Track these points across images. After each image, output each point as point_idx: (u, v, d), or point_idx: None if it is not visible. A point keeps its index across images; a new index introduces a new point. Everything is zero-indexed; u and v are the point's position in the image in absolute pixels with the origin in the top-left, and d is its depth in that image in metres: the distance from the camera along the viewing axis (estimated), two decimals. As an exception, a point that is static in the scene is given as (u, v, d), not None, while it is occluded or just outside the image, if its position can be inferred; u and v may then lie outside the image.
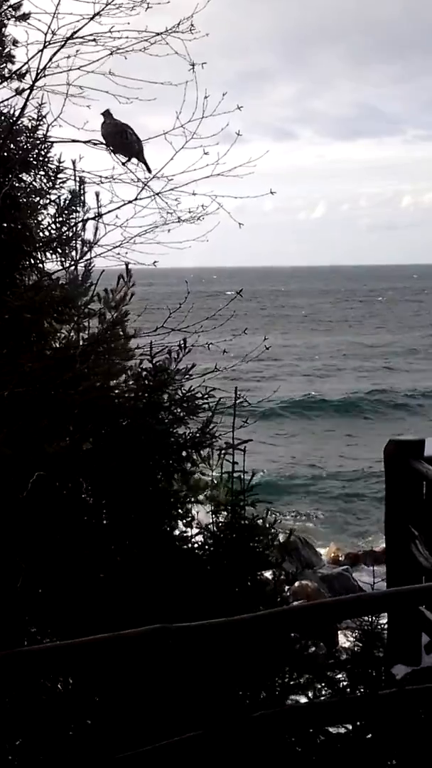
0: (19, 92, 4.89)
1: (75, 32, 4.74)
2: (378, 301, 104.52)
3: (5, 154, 4.81)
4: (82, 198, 4.95)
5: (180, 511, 4.86)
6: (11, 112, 4.89)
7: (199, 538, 4.80)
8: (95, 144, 5.05)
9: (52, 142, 4.92)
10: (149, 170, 5.05)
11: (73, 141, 4.97)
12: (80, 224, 4.92)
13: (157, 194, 4.85)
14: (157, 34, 4.76)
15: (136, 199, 4.83)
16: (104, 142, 5.05)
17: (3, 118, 4.89)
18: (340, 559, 15.17)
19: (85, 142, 5.02)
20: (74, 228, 4.93)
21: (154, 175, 4.85)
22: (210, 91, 4.71)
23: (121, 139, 5.00)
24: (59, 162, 4.94)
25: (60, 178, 4.95)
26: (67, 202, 4.93)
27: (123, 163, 5.06)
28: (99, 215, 4.87)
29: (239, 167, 4.76)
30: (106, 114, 5.01)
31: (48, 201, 4.96)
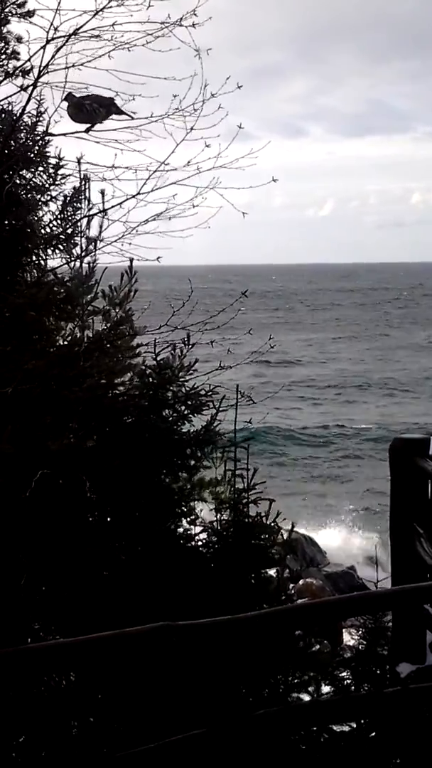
0: (23, 89, 4.88)
1: (78, 28, 4.72)
2: None
3: (6, 151, 4.80)
4: (86, 194, 4.95)
5: (184, 508, 4.86)
6: (13, 108, 4.89)
7: (203, 535, 4.79)
8: (95, 123, 4.99)
9: (52, 136, 4.91)
10: (131, 117, 4.98)
11: (72, 134, 4.95)
12: (84, 221, 4.91)
13: (160, 188, 4.83)
14: (162, 23, 4.73)
15: (139, 193, 4.81)
16: (80, 122, 4.99)
17: (5, 115, 4.89)
18: (346, 556, 15.15)
19: (77, 133, 4.98)
20: (77, 224, 4.92)
21: (157, 168, 4.82)
22: (217, 87, 4.70)
23: (84, 114, 4.96)
24: (59, 158, 4.93)
25: (60, 174, 4.94)
26: (70, 198, 4.92)
27: (88, 129, 5.00)
28: (103, 211, 4.86)
29: (242, 158, 4.73)
30: (69, 98, 4.93)
31: (49, 197, 4.95)
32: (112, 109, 4.95)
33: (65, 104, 4.92)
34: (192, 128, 4.72)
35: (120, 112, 4.96)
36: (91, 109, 4.87)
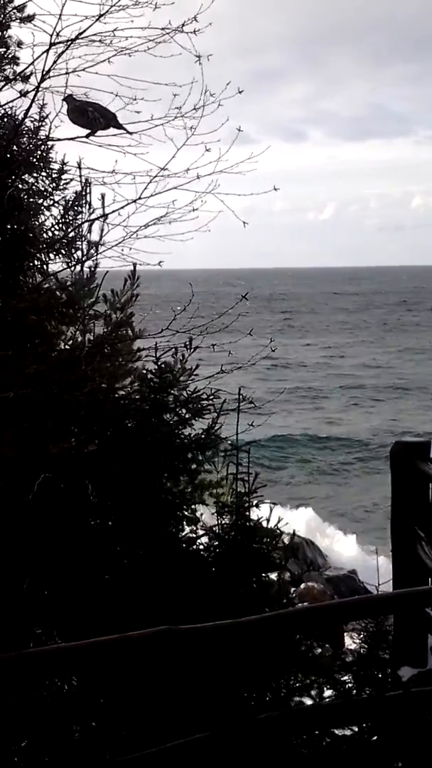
0: (24, 94, 4.89)
1: (80, 33, 4.72)
2: None
3: (8, 156, 4.80)
4: (87, 199, 4.95)
5: (186, 512, 4.86)
6: (15, 113, 4.90)
7: (205, 539, 4.79)
8: (94, 131, 4.99)
9: (54, 140, 4.92)
10: (129, 132, 5.00)
11: (73, 139, 4.95)
12: (85, 225, 4.92)
13: (160, 193, 4.83)
14: (163, 29, 4.74)
15: (139, 198, 4.81)
16: (79, 125, 4.99)
17: (7, 120, 4.90)
18: (347, 560, 15.16)
19: (78, 138, 4.99)
20: (79, 229, 4.93)
21: (158, 173, 4.83)
22: (218, 91, 4.70)
23: (84, 119, 4.95)
24: (63, 163, 4.94)
25: (63, 180, 4.94)
26: (72, 203, 4.93)
27: (89, 135, 4.99)
28: (104, 215, 4.87)
29: (242, 163, 4.72)
30: (69, 100, 4.93)
31: (52, 202, 4.96)
32: (112, 123, 4.97)
33: (66, 106, 4.92)
34: (193, 131, 4.71)
35: (119, 126, 4.98)
36: (93, 117, 4.89)
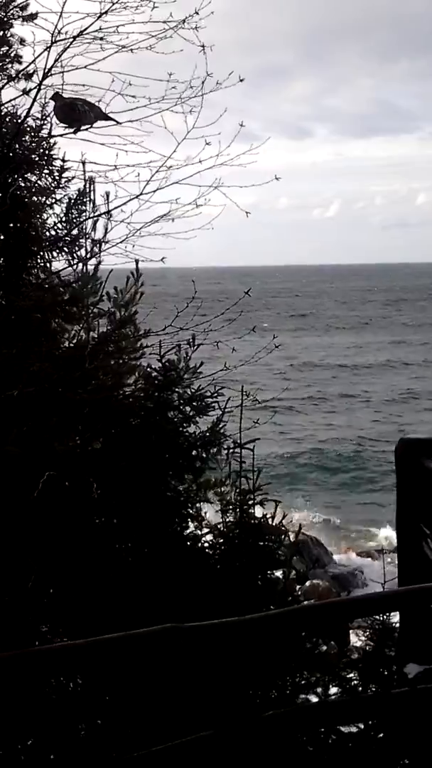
0: (26, 92, 4.89)
1: (82, 31, 4.72)
2: None
3: (11, 154, 4.80)
4: (90, 196, 4.95)
5: (190, 510, 4.85)
6: (17, 111, 4.89)
7: (209, 537, 4.79)
8: (83, 124, 4.97)
9: (56, 136, 4.91)
10: (117, 122, 4.98)
11: (74, 135, 4.95)
12: (88, 222, 4.91)
13: (163, 188, 4.82)
14: (164, 22, 4.73)
15: (142, 193, 4.80)
16: (66, 124, 4.97)
17: (9, 118, 4.89)
18: (352, 557, 15.15)
19: (81, 132, 4.98)
20: (82, 226, 4.92)
21: (161, 165, 4.82)
22: (221, 87, 4.69)
23: (74, 114, 4.94)
24: (63, 160, 4.93)
25: (65, 177, 4.93)
26: (74, 200, 4.93)
27: (85, 129, 4.98)
28: (107, 212, 4.86)
29: (243, 155, 4.69)
30: (57, 98, 4.91)
31: (54, 200, 4.96)
32: (100, 117, 4.96)
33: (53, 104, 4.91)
34: (196, 117, 4.69)
35: (107, 117, 4.97)
36: (83, 110, 4.88)
